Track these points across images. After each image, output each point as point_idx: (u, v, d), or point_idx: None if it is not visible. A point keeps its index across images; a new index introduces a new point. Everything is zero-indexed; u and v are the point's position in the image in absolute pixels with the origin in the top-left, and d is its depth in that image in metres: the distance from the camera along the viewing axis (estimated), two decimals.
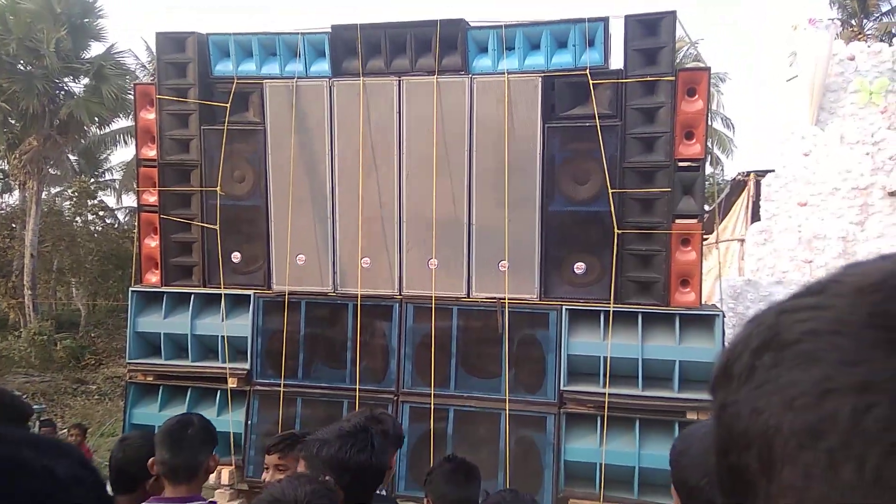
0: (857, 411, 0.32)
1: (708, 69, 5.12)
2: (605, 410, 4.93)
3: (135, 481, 2.36)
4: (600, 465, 4.92)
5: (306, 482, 1.52)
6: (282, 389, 5.49)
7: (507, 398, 5.13)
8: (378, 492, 1.90)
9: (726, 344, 0.44)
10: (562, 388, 5.08)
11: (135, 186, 6.70)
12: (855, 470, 0.32)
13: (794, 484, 0.35)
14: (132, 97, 8.00)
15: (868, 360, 0.33)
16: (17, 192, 19.76)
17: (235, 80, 5.52)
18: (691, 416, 4.85)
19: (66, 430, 9.04)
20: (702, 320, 4.96)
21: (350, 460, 1.73)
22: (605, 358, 4.94)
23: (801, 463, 0.34)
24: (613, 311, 4.98)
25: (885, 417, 0.32)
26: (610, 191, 4.93)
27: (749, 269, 10.60)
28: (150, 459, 2.25)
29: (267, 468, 2.86)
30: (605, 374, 4.94)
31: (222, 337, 5.56)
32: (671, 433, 4.86)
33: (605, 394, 4.93)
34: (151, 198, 5.78)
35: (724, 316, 4.94)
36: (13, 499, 0.45)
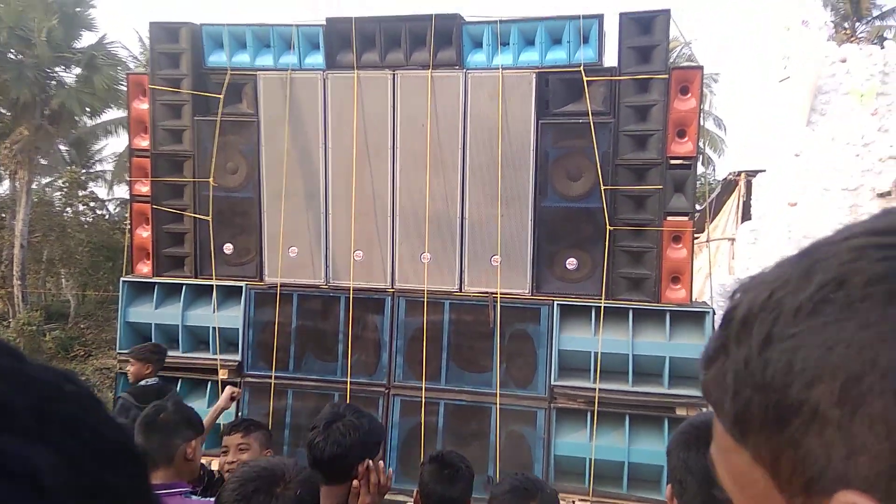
0: None
1: (701, 68, 5.14)
2: (596, 406, 4.96)
3: None
4: (590, 459, 4.95)
5: (285, 458, 1.57)
6: (272, 381, 5.49)
7: (498, 392, 5.15)
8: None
9: (748, 280, 0.43)
10: (552, 383, 5.11)
11: (126, 177, 6.68)
12: None
13: (877, 418, 0.35)
14: (124, 88, 7.96)
15: None
16: (7, 182, 19.63)
17: (229, 72, 5.50)
18: (681, 411, 4.89)
19: None
20: (692, 317, 5.00)
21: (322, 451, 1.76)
22: (596, 353, 4.97)
23: (889, 398, 0.34)
24: (604, 307, 5.01)
25: None
26: (602, 187, 4.95)
27: (739, 268, 10.66)
28: None
29: (226, 451, 2.89)
30: (595, 370, 4.96)
31: (213, 328, 5.55)
32: (661, 429, 4.90)
33: (595, 389, 4.96)
34: (144, 188, 5.76)
35: (714, 313, 4.98)
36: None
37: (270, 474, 1.44)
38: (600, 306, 5.00)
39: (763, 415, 0.40)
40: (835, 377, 0.36)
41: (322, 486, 1.76)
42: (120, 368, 5.96)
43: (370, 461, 1.83)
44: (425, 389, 5.25)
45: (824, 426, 0.37)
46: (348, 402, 5.26)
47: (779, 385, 0.38)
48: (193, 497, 2.26)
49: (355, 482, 1.82)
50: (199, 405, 5.56)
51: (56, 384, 0.38)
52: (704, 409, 3.70)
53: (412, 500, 2.14)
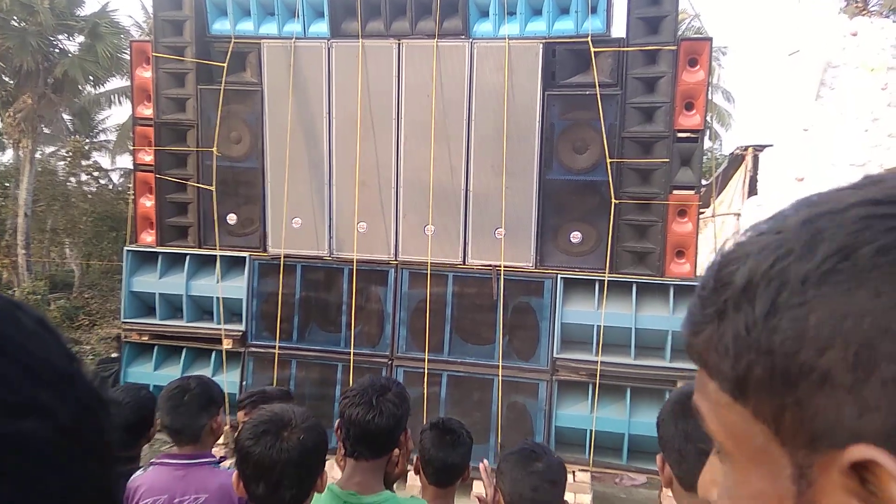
0: None
1: (710, 39, 5.06)
2: (597, 378, 4.98)
3: (129, 440, 2.38)
4: (591, 431, 4.99)
5: (296, 405, 1.73)
6: (276, 351, 5.52)
7: (501, 364, 5.17)
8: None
9: (754, 249, 0.44)
10: (555, 355, 5.12)
11: (129, 147, 6.65)
12: None
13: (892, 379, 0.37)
14: (127, 56, 7.89)
15: None
16: (10, 151, 19.58)
17: (233, 40, 5.45)
18: (682, 385, 4.90)
19: None
20: None
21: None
22: (599, 327, 4.98)
23: None
24: (608, 281, 5.00)
25: None
26: (608, 160, 4.92)
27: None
28: (156, 419, 2.31)
29: (236, 427, 2.90)
30: (597, 343, 4.98)
31: (217, 298, 5.57)
32: (661, 402, 4.91)
33: (597, 362, 4.97)
34: (147, 157, 5.74)
35: None
36: None
37: (279, 419, 1.60)
38: (604, 280, 5.00)
39: (768, 377, 0.41)
40: (847, 344, 0.38)
41: (361, 461, 1.79)
42: (125, 337, 5.99)
43: (409, 429, 1.92)
44: (428, 361, 5.27)
45: (834, 389, 0.39)
46: (352, 372, 5.30)
47: (788, 351, 0.40)
48: (221, 467, 2.30)
49: (396, 451, 1.87)
50: (204, 374, 5.61)
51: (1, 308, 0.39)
52: None
53: (412, 466, 2.16)
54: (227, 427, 2.88)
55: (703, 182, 8.13)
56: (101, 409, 0.42)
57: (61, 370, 0.40)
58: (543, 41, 4.99)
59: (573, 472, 5.02)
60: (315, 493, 1.64)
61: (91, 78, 17.17)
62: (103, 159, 21.45)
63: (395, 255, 5.44)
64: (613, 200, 4.94)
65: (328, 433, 1.79)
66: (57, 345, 0.41)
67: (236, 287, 5.64)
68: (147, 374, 5.60)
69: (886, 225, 0.39)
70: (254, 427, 1.58)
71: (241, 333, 5.63)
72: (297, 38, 5.35)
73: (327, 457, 1.70)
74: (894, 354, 0.37)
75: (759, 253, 0.43)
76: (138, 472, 2.18)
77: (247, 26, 5.48)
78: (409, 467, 2.12)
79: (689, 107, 4.91)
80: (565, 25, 5.00)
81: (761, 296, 0.41)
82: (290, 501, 1.56)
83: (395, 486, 2.03)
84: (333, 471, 2.00)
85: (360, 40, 5.24)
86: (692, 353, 0.49)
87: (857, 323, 0.38)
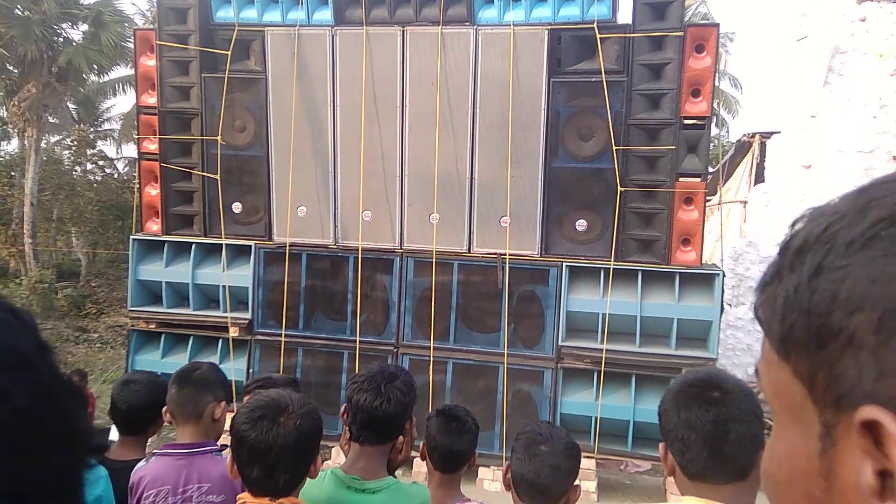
0: None
1: (717, 25, 5.03)
2: (602, 366, 4.99)
3: (141, 422, 2.40)
4: (596, 418, 4.99)
5: (292, 391, 1.74)
6: (283, 339, 5.54)
7: (506, 352, 5.18)
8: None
9: (809, 211, 0.46)
10: (560, 343, 5.13)
11: (134, 135, 6.65)
12: None
13: None
14: (131, 45, 7.88)
15: None
16: (15, 140, 19.61)
17: (237, 28, 5.42)
18: (685, 372, 4.91)
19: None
20: (701, 279, 4.98)
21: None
22: (604, 315, 4.98)
23: None
24: (613, 269, 4.99)
25: None
26: (614, 147, 4.89)
27: (751, 231, 10.59)
28: (165, 407, 2.30)
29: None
30: (603, 331, 4.98)
31: (223, 287, 5.58)
32: (666, 389, 4.92)
33: (602, 350, 4.98)
34: (152, 146, 5.74)
35: (724, 275, 4.96)
36: None
37: (276, 404, 1.60)
38: (609, 268, 4.99)
39: (805, 337, 0.43)
40: (875, 308, 0.39)
41: (366, 446, 1.81)
42: (132, 325, 6.02)
43: (414, 417, 1.93)
44: (434, 349, 5.28)
45: (859, 350, 0.39)
46: (357, 360, 5.32)
47: (822, 311, 0.41)
48: (223, 454, 2.31)
49: (400, 438, 1.89)
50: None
51: None
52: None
53: (418, 453, 2.17)
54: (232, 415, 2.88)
55: (710, 169, 8.10)
56: (68, 396, 0.43)
57: (25, 356, 0.41)
58: (549, 27, 4.96)
59: None
60: (310, 479, 1.65)
61: (95, 67, 17.18)
62: (108, 148, 21.48)
63: (401, 243, 5.44)
64: (619, 188, 4.92)
65: (326, 419, 1.80)
66: (26, 333, 0.42)
67: (242, 275, 5.66)
68: (155, 361, 5.62)
69: None
70: (250, 412, 1.58)
71: (247, 321, 5.65)
72: (300, 26, 5.33)
73: (331, 443, 1.71)
74: None
75: (817, 217, 0.44)
76: (141, 464, 2.19)
77: (250, 14, 5.46)
78: (415, 454, 2.14)
79: (695, 93, 4.88)
80: (571, 11, 4.96)
81: (810, 258, 0.43)
82: (284, 486, 1.57)
83: (398, 472, 2.04)
84: (340, 456, 2.01)
85: (364, 28, 5.21)
86: (756, 312, 0.51)
87: (885, 287, 0.38)
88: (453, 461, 2.09)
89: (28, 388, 0.39)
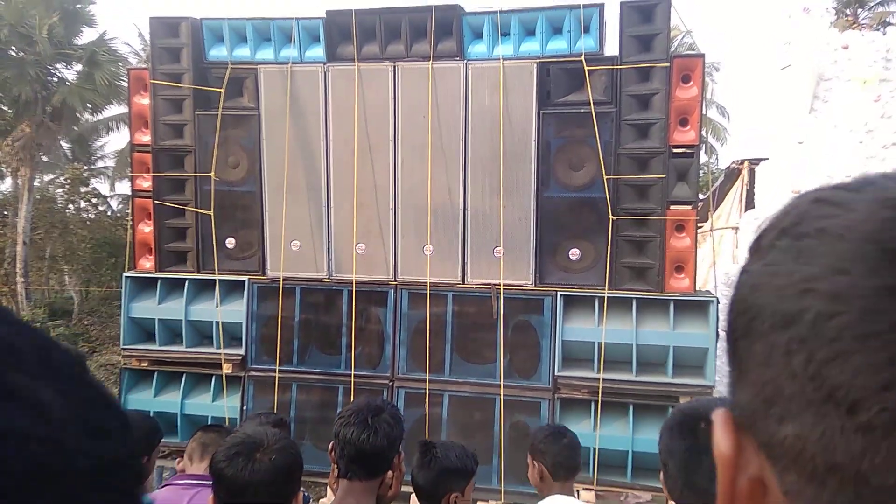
0: (821, 315, 0.36)
1: (702, 56, 5.11)
2: (600, 396, 4.96)
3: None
4: (594, 449, 4.95)
5: (269, 426, 1.82)
6: (277, 375, 5.50)
7: (502, 384, 5.15)
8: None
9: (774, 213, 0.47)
10: (556, 373, 5.11)
11: (128, 173, 6.68)
12: (802, 362, 0.36)
13: (760, 357, 0.40)
14: (125, 84, 7.96)
15: (853, 272, 0.36)
16: (9, 180, 19.64)
17: (230, 66, 5.49)
18: (685, 401, 4.89)
19: None
20: (696, 306, 4.99)
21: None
22: (600, 343, 4.97)
23: (770, 342, 0.39)
24: (608, 297, 5.00)
25: (840, 327, 0.35)
26: (605, 177, 4.94)
27: (743, 256, 10.63)
28: (179, 460, 2.36)
29: None
30: (599, 360, 4.96)
31: (217, 323, 5.56)
32: (664, 418, 4.89)
33: (599, 379, 4.95)
34: (145, 183, 5.75)
35: (718, 302, 4.97)
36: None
37: (252, 441, 1.63)
38: (604, 296, 5.00)
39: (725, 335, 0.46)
40: (746, 313, 0.42)
41: (355, 481, 1.79)
42: (124, 364, 5.97)
43: (402, 452, 1.92)
44: (429, 381, 5.25)
45: (733, 354, 0.43)
46: (352, 395, 5.28)
47: (728, 308, 0.45)
48: None
49: (389, 473, 1.88)
50: (203, 400, 5.59)
51: (47, 336, 0.42)
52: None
53: (412, 494, 2.15)
54: None
55: (700, 196, 8.15)
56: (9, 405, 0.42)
57: (108, 399, 0.43)
58: (537, 61, 5.04)
59: (577, 490, 4.98)
60: None
61: (89, 105, 17.30)
62: (102, 186, 21.52)
63: (395, 275, 5.44)
64: (611, 217, 4.96)
65: (320, 455, 1.79)
66: (92, 375, 0.44)
67: (236, 311, 5.63)
68: (147, 400, 5.57)
69: (819, 212, 0.41)
70: (227, 449, 1.60)
71: (240, 357, 5.61)
72: (293, 63, 5.39)
73: (325, 479, 1.70)
74: (765, 334, 0.39)
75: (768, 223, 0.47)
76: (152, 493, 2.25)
77: (243, 52, 5.53)
78: (407, 487, 2.11)
79: (683, 122, 4.94)
80: (558, 45, 5.04)
81: (748, 256, 0.46)
82: None
83: None
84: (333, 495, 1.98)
85: (356, 64, 5.28)
86: None
87: (757, 296, 0.41)
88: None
89: (92, 404, 0.41)
